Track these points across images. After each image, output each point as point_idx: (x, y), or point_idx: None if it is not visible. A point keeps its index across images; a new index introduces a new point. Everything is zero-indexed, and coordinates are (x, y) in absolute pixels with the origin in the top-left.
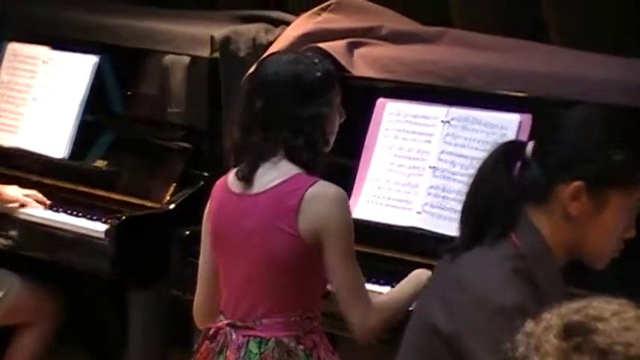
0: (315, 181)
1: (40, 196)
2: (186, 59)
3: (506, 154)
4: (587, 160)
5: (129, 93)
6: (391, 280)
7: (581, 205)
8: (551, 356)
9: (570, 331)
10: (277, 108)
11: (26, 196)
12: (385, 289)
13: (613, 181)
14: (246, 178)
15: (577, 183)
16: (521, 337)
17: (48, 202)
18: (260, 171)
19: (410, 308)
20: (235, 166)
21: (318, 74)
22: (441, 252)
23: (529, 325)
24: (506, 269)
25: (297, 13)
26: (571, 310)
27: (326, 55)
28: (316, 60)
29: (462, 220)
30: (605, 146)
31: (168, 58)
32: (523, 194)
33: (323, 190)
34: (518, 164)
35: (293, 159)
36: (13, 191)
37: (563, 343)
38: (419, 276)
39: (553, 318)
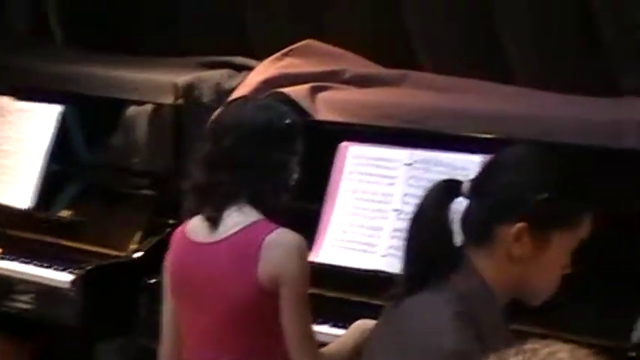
0: (275, 228)
1: None
2: (150, 107)
3: (442, 193)
4: (529, 202)
5: (93, 142)
6: None
7: (524, 246)
8: None
9: None
10: (246, 149)
11: None
12: None
13: (555, 222)
14: (214, 219)
15: (520, 224)
16: None
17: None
18: (225, 213)
19: None
20: (195, 209)
21: (288, 122)
22: (384, 298)
23: None
24: (448, 313)
25: (260, 59)
26: (538, 357)
27: (289, 100)
28: (285, 109)
29: (403, 263)
30: (545, 187)
31: (133, 106)
32: (463, 235)
33: (282, 237)
34: (459, 205)
35: (256, 204)
36: None
37: None
38: (362, 326)
39: None
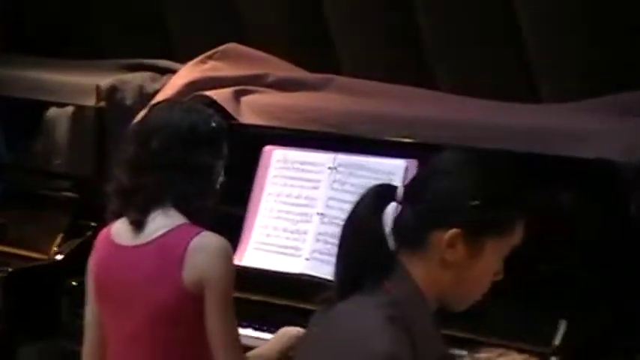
0: (200, 232)
1: None
2: (72, 109)
3: (376, 198)
4: (462, 208)
5: (14, 144)
6: (281, 327)
7: (458, 252)
8: None
9: None
10: (171, 151)
11: None
12: None
13: (488, 229)
14: (139, 222)
15: (453, 231)
16: None
17: None
18: (149, 217)
19: None
20: (120, 212)
21: (213, 125)
22: (316, 302)
23: None
24: (380, 317)
25: (183, 62)
26: None
27: (213, 103)
28: (211, 112)
29: (336, 267)
30: (479, 194)
31: (54, 108)
32: (397, 240)
33: (207, 240)
34: (392, 209)
35: (181, 207)
36: None
37: None
38: (288, 332)
39: None
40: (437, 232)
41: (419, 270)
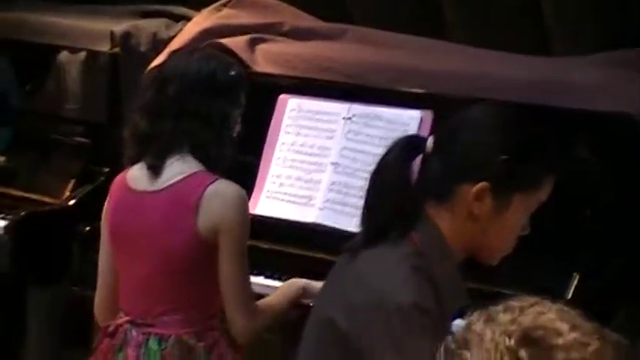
0: (216, 179)
1: None
2: (85, 54)
3: (405, 149)
4: (492, 162)
5: (27, 88)
6: (293, 276)
7: (485, 206)
8: None
9: (530, 342)
10: (190, 98)
11: None
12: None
13: (517, 183)
14: (156, 168)
15: (482, 184)
16: (471, 336)
17: None
18: (167, 162)
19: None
20: (136, 158)
21: (232, 73)
22: (340, 249)
23: (478, 324)
24: (406, 268)
25: (198, 9)
26: (527, 317)
27: (227, 50)
28: (231, 61)
29: (362, 217)
30: (509, 149)
31: (68, 52)
32: (424, 191)
33: (223, 188)
34: (419, 160)
35: (198, 154)
36: None
37: (522, 352)
38: (297, 283)
39: (509, 324)
40: (465, 185)
41: (445, 222)
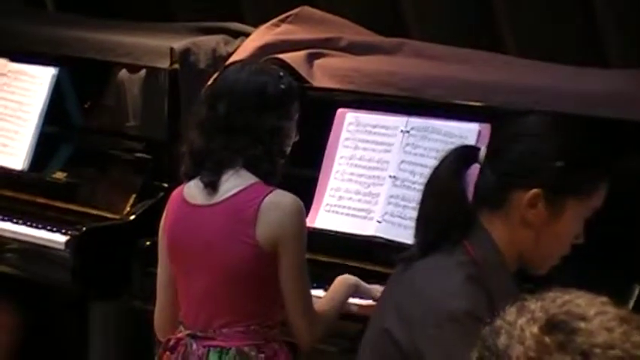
0: (272, 190)
1: None
2: (145, 71)
3: (458, 159)
4: (546, 169)
5: (87, 105)
6: None
7: (538, 212)
8: (534, 351)
9: (553, 327)
10: (239, 114)
11: None
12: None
13: (570, 190)
14: (212, 184)
15: (535, 190)
16: (502, 325)
17: None
18: (222, 178)
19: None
20: (192, 173)
21: (282, 87)
22: (396, 261)
23: (511, 314)
24: (460, 276)
25: (255, 25)
26: (555, 304)
27: (285, 66)
28: (281, 73)
29: (416, 227)
30: (563, 155)
31: (127, 70)
32: (477, 200)
33: (280, 198)
34: (476, 170)
35: (251, 168)
36: None
37: (546, 338)
38: (346, 281)
39: (537, 311)
40: (518, 192)
41: (499, 230)
